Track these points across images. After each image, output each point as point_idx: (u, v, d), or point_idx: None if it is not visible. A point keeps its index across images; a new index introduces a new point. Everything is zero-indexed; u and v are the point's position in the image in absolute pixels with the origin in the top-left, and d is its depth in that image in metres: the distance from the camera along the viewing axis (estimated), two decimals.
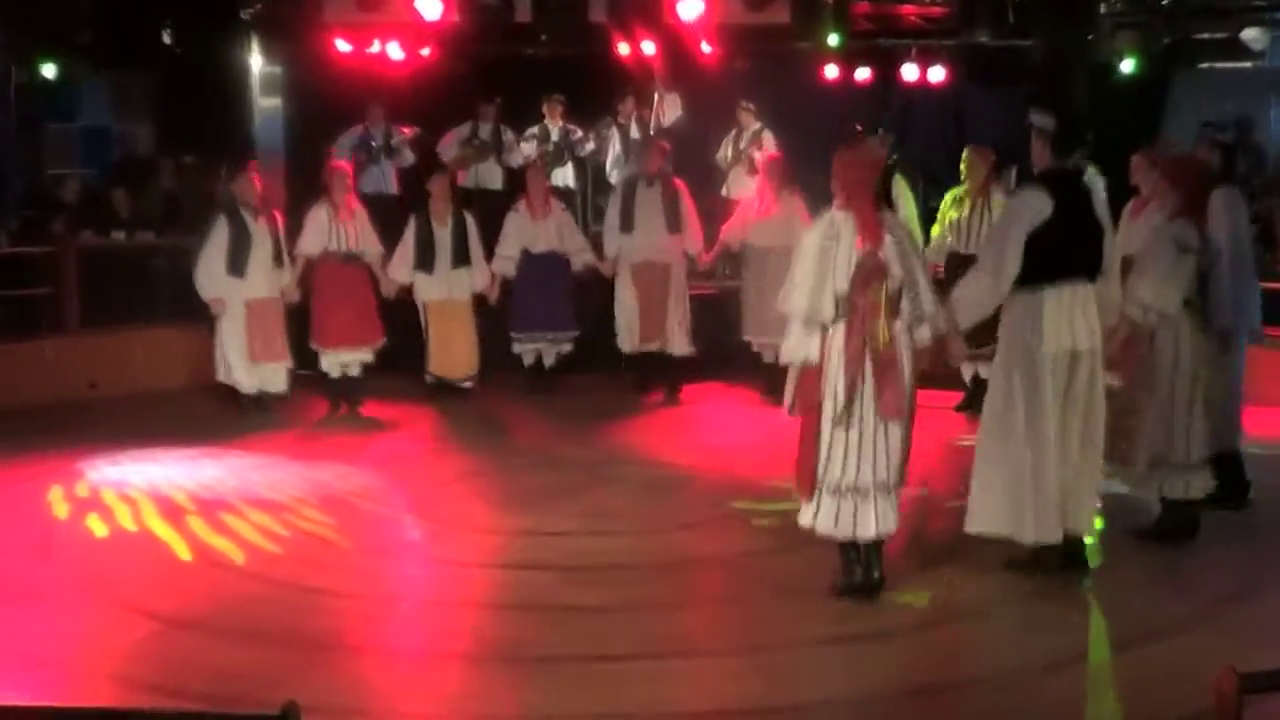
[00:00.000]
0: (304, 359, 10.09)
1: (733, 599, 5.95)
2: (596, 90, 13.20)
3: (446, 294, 10.25)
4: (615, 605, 5.70)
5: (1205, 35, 13.52)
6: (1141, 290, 6.29)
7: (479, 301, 10.47)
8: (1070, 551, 6.00)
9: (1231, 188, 7.04)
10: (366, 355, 10.03)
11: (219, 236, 9.62)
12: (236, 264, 9.59)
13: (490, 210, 11.11)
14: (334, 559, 6.51)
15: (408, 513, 7.36)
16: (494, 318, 10.68)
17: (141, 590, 5.94)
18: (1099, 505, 6.08)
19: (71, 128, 15.20)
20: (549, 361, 10.78)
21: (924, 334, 5.68)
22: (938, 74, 13.49)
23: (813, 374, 5.55)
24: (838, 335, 5.50)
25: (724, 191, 12.56)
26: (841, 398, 5.46)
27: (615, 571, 6.15)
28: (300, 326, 10.03)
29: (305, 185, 11.46)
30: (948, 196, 9.83)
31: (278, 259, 9.79)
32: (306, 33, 13.01)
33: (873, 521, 5.53)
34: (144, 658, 5.18)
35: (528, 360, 10.79)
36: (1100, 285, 6.00)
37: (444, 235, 10.24)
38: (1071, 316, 5.84)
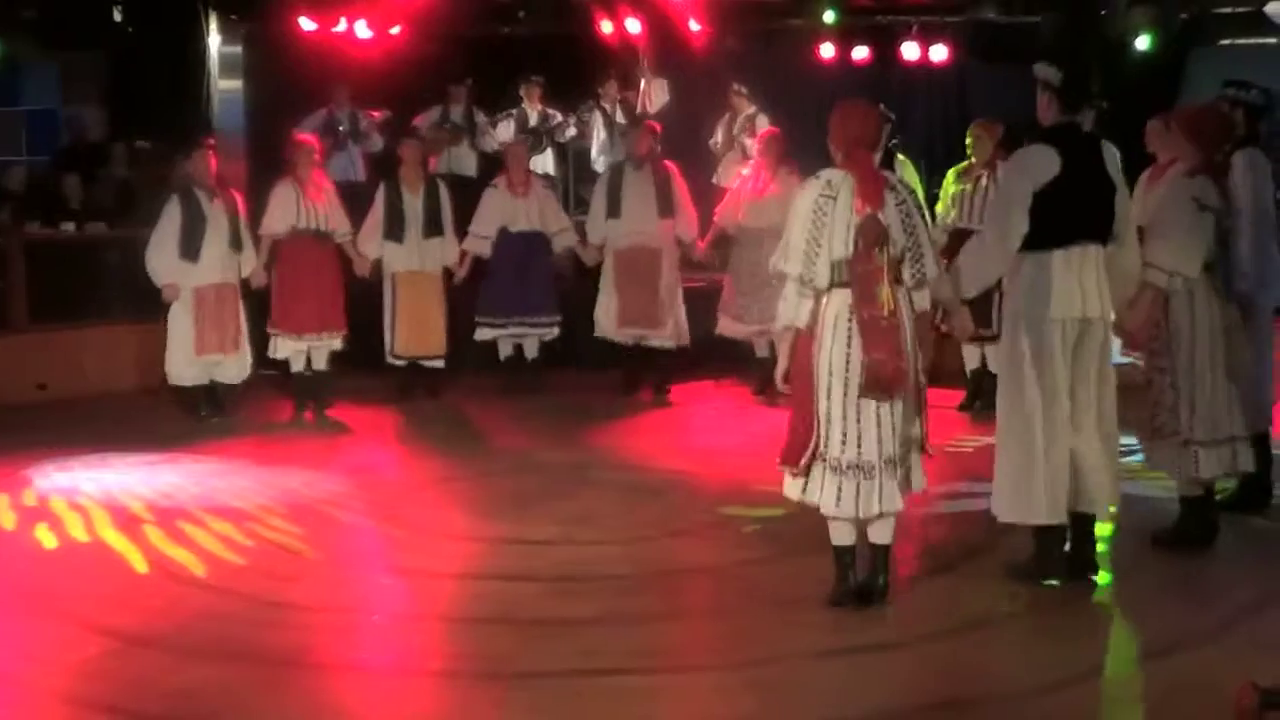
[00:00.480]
0: (267, 356, 10.12)
1: (724, 610, 5.96)
2: (578, 71, 13.22)
3: (417, 265, 10.27)
4: (600, 617, 5.72)
5: (1226, 9, 13.57)
6: (1160, 253, 6.23)
7: (449, 285, 10.49)
8: (1079, 544, 6.02)
9: (1255, 150, 6.94)
10: (332, 343, 10.03)
11: (171, 218, 9.57)
12: (189, 247, 9.52)
13: (465, 198, 11.11)
14: (301, 570, 6.51)
15: (379, 520, 7.37)
16: (468, 308, 10.69)
17: (95, 605, 5.93)
18: (1117, 483, 6.05)
19: (16, 111, 15.20)
20: (531, 352, 10.75)
21: (923, 298, 5.67)
22: (940, 53, 13.54)
23: (806, 341, 5.55)
24: (833, 302, 5.49)
25: (715, 179, 12.59)
26: (838, 367, 5.45)
27: (600, 582, 6.17)
28: (263, 312, 10.02)
29: (268, 171, 11.47)
30: (950, 172, 9.88)
31: (235, 242, 9.73)
32: (268, 10, 13.03)
33: (876, 499, 5.49)
34: (98, 677, 5.17)
35: (504, 351, 10.77)
36: (1115, 251, 5.97)
37: (415, 203, 10.27)
38: (1082, 281, 5.82)
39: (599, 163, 12.91)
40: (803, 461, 5.54)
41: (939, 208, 9.80)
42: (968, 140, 9.69)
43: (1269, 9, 13.01)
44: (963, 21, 13.66)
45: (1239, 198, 6.60)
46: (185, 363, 9.74)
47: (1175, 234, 6.25)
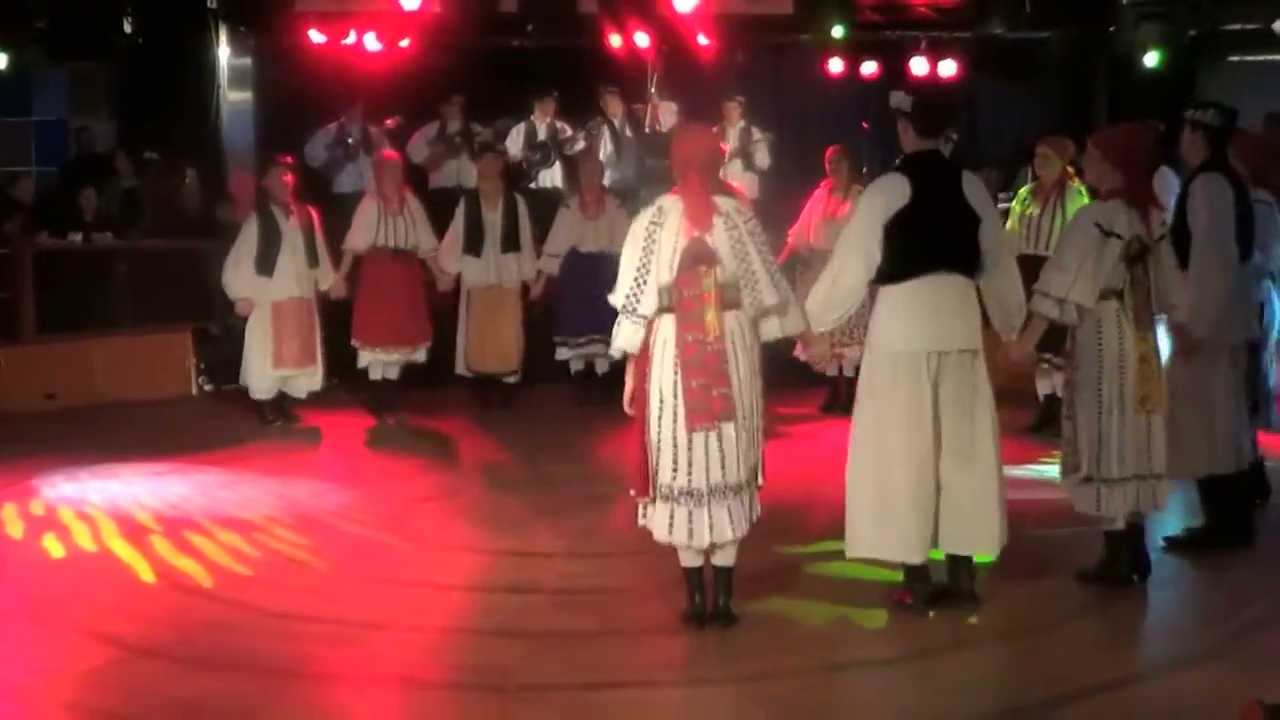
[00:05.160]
0: (333, 367, 10.26)
1: (733, 623, 5.95)
2: (586, 85, 13.26)
3: (494, 279, 10.40)
4: (606, 630, 5.73)
5: (1235, 26, 13.58)
6: (1050, 281, 6.02)
7: (525, 301, 10.66)
8: (955, 575, 5.88)
9: (1215, 174, 6.51)
10: (414, 355, 10.29)
11: (249, 235, 9.70)
12: (265, 263, 9.66)
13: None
14: (307, 582, 6.52)
15: (386, 532, 7.37)
16: (539, 323, 10.82)
17: (100, 614, 5.94)
18: (1002, 524, 5.83)
19: (25, 122, 15.21)
20: (601, 368, 10.60)
21: (771, 328, 5.64)
22: (949, 68, 13.56)
23: (639, 367, 5.56)
24: (662, 328, 5.48)
25: None
26: (666, 394, 5.45)
27: (606, 595, 6.17)
28: (343, 326, 10.20)
29: None
30: (1019, 193, 9.57)
31: (312, 258, 9.86)
32: (277, 23, 13.09)
33: (707, 529, 5.46)
34: (103, 686, 5.18)
35: (576, 366, 10.80)
36: (991, 282, 5.82)
37: (493, 218, 10.44)
38: (938, 313, 5.69)
39: (605, 177, 12.90)
40: (650, 490, 5.52)
41: (1008, 226, 9.19)
42: (1036, 159, 9.28)
43: (1277, 26, 13.01)
44: (971, 37, 13.68)
45: (1197, 230, 6.35)
46: (261, 374, 9.87)
47: (1070, 261, 5.99)
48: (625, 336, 5.56)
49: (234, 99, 13.55)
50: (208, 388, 11.66)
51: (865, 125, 12.31)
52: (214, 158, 13.35)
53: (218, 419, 10.54)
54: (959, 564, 5.90)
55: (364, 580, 6.57)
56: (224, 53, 13.40)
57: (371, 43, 12.92)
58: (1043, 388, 9.39)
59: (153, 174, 13.06)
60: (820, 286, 5.89)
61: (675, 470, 5.46)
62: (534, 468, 8.87)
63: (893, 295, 5.75)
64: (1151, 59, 13.09)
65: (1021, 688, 5.16)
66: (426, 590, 6.37)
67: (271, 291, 9.70)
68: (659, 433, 5.48)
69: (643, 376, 5.54)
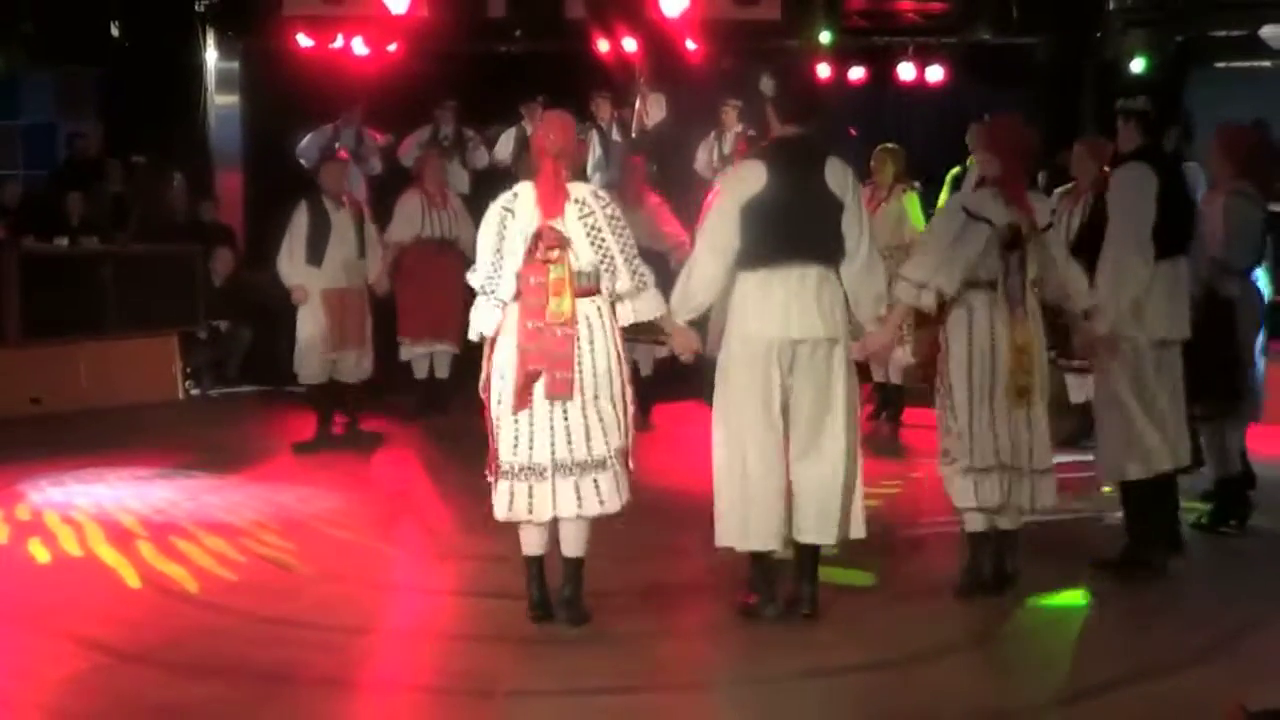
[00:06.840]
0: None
1: (714, 629, 5.95)
2: (574, 89, 13.26)
3: None
4: (592, 636, 5.72)
5: (1221, 33, 13.65)
6: (912, 266, 6.00)
7: None
8: (799, 578, 5.84)
9: (1140, 164, 6.34)
10: (452, 349, 10.37)
11: (299, 224, 9.68)
12: (315, 253, 9.64)
13: None
14: (293, 587, 6.51)
15: (373, 537, 7.38)
16: None
17: (86, 620, 5.93)
18: (849, 515, 5.78)
19: (12, 125, 15.19)
20: (645, 370, 10.43)
21: (625, 313, 5.67)
22: (936, 74, 13.63)
23: (491, 351, 5.64)
24: (513, 312, 5.56)
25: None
26: (507, 376, 5.53)
27: (593, 599, 6.13)
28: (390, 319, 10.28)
29: (265, 187, 11.50)
30: (1054, 195, 9.14)
31: (361, 249, 9.83)
32: (265, 26, 13.12)
33: (549, 503, 5.53)
34: (88, 691, 5.17)
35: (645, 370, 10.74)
36: (852, 270, 5.75)
37: None
38: (791, 301, 5.63)
39: (594, 180, 12.91)
40: (493, 468, 5.62)
41: None
42: (1073, 161, 8.96)
43: (1264, 32, 13.09)
44: (958, 43, 13.72)
45: (1115, 220, 6.26)
46: (311, 354, 9.71)
47: (934, 246, 6.00)
48: (484, 319, 5.63)
49: (221, 103, 13.56)
50: (194, 392, 11.67)
51: (853, 131, 12.34)
52: (202, 161, 13.35)
53: (204, 424, 10.54)
54: (805, 562, 5.82)
55: (350, 585, 6.56)
56: (212, 56, 13.41)
57: (359, 47, 12.95)
58: (1076, 395, 9.09)
59: (140, 178, 13.05)
60: (681, 275, 5.89)
61: (516, 447, 5.54)
62: None
63: (748, 282, 5.71)
64: (1138, 65, 13.14)
65: (1005, 692, 5.18)
66: (413, 595, 6.39)
67: (321, 280, 9.65)
68: (499, 410, 5.57)
69: (491, 358, 5.63)
